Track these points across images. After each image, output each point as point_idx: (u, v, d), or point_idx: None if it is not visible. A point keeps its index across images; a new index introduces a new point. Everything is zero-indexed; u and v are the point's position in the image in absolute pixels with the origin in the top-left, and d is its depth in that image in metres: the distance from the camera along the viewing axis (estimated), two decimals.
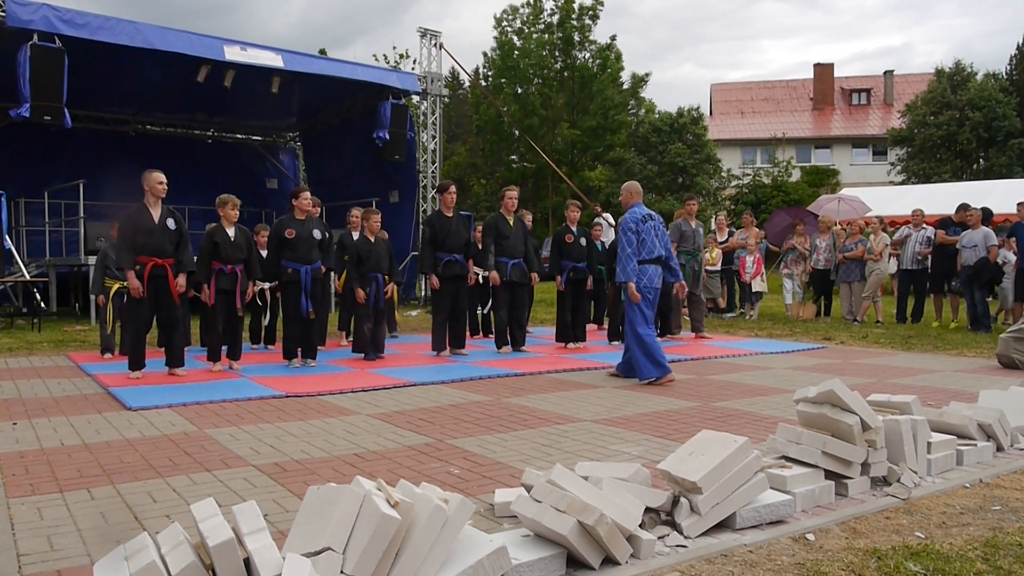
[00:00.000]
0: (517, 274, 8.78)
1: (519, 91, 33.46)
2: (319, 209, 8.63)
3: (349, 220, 9.34)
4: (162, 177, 6.81)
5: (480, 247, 9.03)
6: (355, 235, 8.75)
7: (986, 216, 11.25)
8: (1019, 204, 10.74)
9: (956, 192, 14.12)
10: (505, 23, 33.92)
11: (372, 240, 8.25)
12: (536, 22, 33.57)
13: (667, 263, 7.09)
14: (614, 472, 2.98)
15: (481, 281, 8.86)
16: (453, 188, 8.59)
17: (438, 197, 8.57)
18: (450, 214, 8.48)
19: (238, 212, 7.50)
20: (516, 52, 33.28)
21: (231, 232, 7.45)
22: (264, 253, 8.53)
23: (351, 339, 9.08)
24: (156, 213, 6.84)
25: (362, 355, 8.19)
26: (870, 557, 2.71)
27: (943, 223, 11.92)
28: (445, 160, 20.45)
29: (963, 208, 11.75)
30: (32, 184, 15.14)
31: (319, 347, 8.41)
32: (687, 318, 10.93)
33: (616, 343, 9.70)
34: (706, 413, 5.39)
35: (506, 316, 8.80)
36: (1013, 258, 11.01)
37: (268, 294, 8.54)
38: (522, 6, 33.86)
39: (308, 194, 7.79)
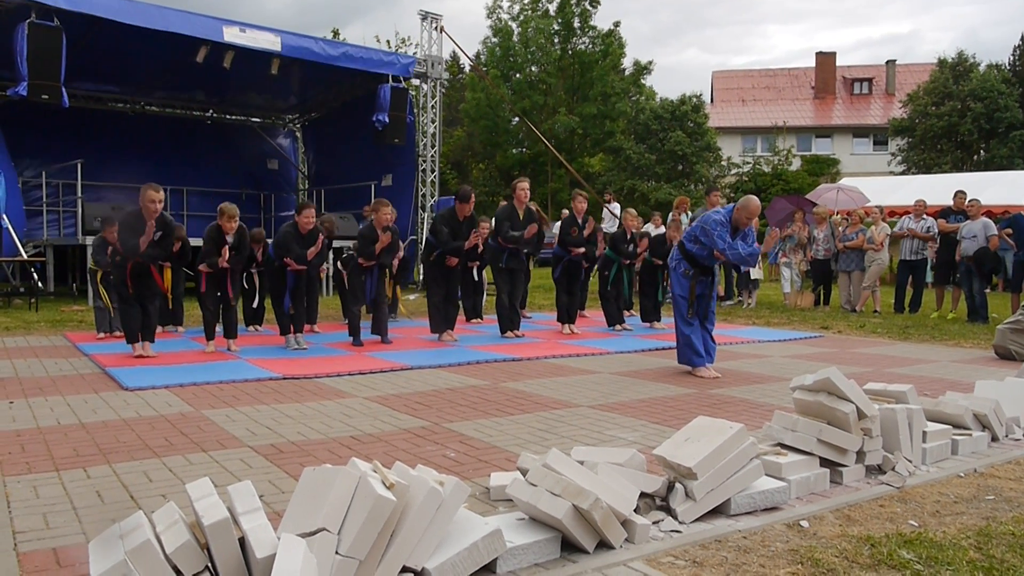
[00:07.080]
0: (514, 260, 8.89)
1: (517, 76, 33.30)
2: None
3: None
4: (156, 196, 6.70)
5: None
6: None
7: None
8: None
9: (957, 183, 14.09)
10: (498, 12, 33.73)
11: (380, 232, 8.18)
12: (535, 8, 33.33)
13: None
14: (610, 457, 2.99)
15: (476, 276, 8.99)
16: (473, 198, 8.73)
17: (457, 204, 8.67)
18: (462, 220, 8.59)
19: (237, 224, 7.49)
20: (515, 37, 33.06)
21: (230, 239, 7.48)
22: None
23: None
24: (149, 227, 6.77)
25: (351, 339, 8.17)
26: (863, 544, 2.72)
27: (944, 213, 11.92)
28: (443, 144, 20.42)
29: (960, 194, 11.74)
30: (30, 163, 15.10)
31: (312, 328, 8.91)
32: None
33: (618, 326, 9.70)
34: (702, 400, 5.40)
35: (507, 300, 8.86)
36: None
37: (256, 278, 8.60)
38: None
39: (312, 211, 7.82)
